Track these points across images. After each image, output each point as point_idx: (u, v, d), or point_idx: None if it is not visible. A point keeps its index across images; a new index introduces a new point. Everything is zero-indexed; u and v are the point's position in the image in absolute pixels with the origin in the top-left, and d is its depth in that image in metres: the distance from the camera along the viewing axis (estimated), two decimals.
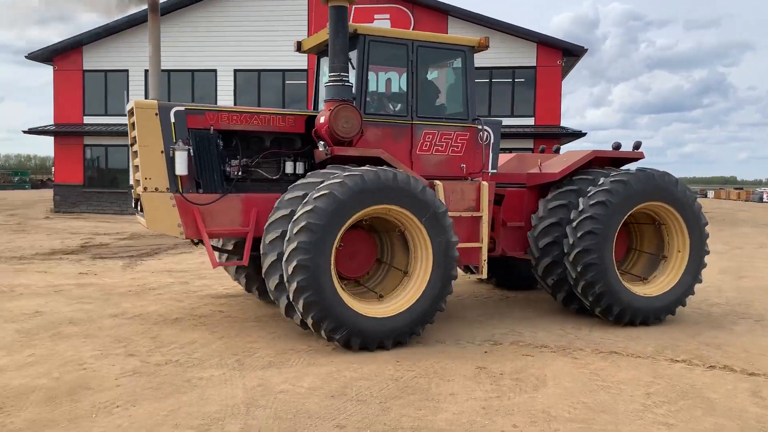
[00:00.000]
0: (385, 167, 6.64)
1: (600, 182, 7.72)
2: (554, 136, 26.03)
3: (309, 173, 6.86)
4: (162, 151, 6.79)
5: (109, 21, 26.01)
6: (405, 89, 7.62)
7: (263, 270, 6.55)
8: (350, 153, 7.05)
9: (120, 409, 4.84)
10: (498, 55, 25.94)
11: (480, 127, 7.84)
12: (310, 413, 4.83)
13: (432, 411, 4.93)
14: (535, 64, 26.27)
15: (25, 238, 17.30)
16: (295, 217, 6.21)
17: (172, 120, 6.88)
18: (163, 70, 26.77)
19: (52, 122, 27.86)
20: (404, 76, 7.60)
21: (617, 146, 8.66)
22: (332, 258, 6.23)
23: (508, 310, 8.72)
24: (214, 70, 26.99)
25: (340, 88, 7.10)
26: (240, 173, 7.16)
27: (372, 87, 7.97)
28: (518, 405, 5.11)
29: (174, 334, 7.11)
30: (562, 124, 26.66)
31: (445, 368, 5.99)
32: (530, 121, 26.53)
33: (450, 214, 7.11)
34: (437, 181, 7.37)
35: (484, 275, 7.78)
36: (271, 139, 7.51)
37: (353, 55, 7.41)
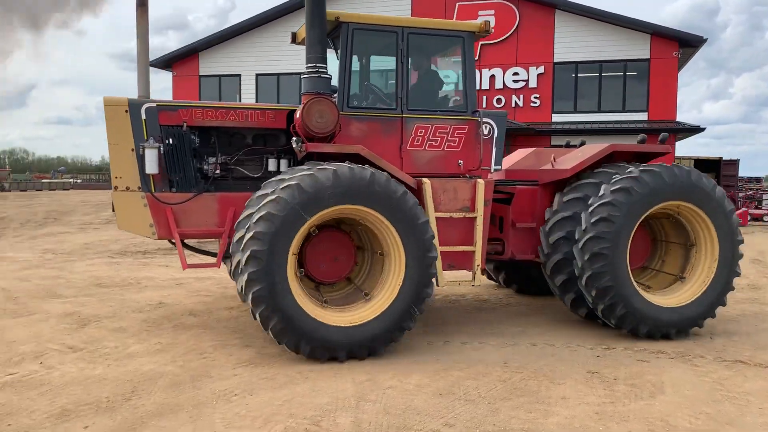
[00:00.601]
0: (350, 164, 6.11)
1: (628, 170, 7.02)
2: (669, 131, 24.67)
3: (286, 170, 6.46)
4: (132, 150, 6.58)
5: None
6: (395, 80, 7.05)
7: (231, 269, 6.44)
8: (325, 149, 6.55)
9: (238, 398, 5.09)
10: (608, 47, 24.99)
11: (481, 120, 7.28)
12: (419, 410, 4.86)
13: (543, 414, 4.83)
14: (648, 57, 25.01)
15: None
16: (246, 225, 5.83)
17: (144, 117, 6.63)
18: (267, 74, 27.88)
19: None
20: (396, 66, 7.05)
21: (642, 140, 7.87)
22: (288, 262, 5.82)
23: None
24: None
25: (315, 81, 6.61)
26: (219, 171, 6.87)
27: (359, 78, 7.57)
28: (634, 412, 4.89)
29: None
30: (678, 119, 25.26)
31: (555, 371, 5.84)
32: (643, 116, 25.33)
33: (440, 214, 6.83)
34: (425, 180, 6.85)
35: (478, 282, 7.11)
36: (252, 135, 7.13)
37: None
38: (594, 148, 7.58)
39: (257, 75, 28.31)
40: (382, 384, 5.42)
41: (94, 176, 70.74)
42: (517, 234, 7.65)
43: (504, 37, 25.57)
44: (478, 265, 7.00)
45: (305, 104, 6.44)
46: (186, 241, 6.98)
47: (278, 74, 27.91)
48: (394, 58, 7.02)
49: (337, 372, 5.73)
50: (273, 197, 5.76)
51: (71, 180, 57.34)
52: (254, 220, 5.74)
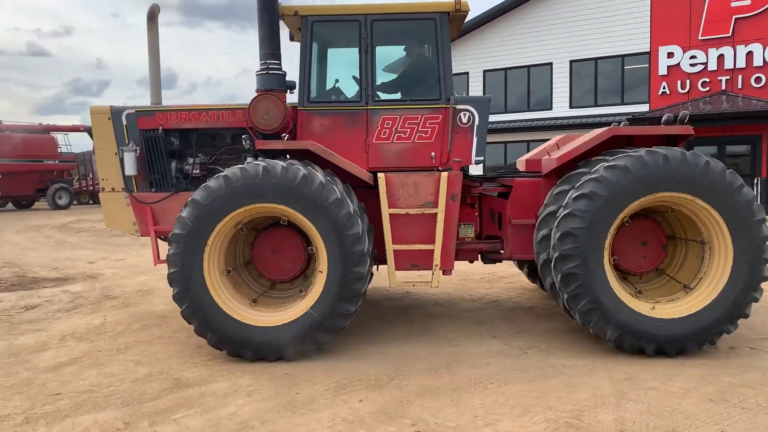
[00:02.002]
0: (262, 161, 5.92)
1: (595, 168, 5.95)
2: None
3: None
4: (116, 153, 7.05)
5: None
6: (359, 71, 6.68)
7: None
8: (273, 146, 6.48)
9: (494, 386, 5.23)
10: None
11: (457, 107, 6.63)
12: (687, 414, 4.56)
13: None
14: None
15: None
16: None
17: (124, 123, 7.05)
18: (494, 70, 27.91)
19: None
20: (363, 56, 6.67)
21: (668, 120, 6.48)
22: (206, 256, 5.84)
23: None
24: (550, 63, 27.09)
25: (265, 77, 6.58)
26: (197, 171, 7.03)
27: (323, 70, 7.26)
28: None
29: (530, 321, 7.39)
30: None
31: None
32: None
33: (394, 211, 6.50)
34: (381, 174, 6.50)
35: (435, 284, 6.58)
36: (230, 135, 7.14)
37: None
38: (594, 132, 6.64)
39: (484, 71, 28.56)
40: (642, 384, 5.18)
41: None
42: (516, 231, 6.99)
43: (763, 8, 22.63)
44: (436, 265, 6.52)
45: (251, 102, 6.49)
46: None
47: (505, 69, 27.93)
48: (366, 48, 6.65)
49: (592, 369, 5.60)
50: (181, 213, 5.98)
51: None
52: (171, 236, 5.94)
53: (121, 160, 7.02)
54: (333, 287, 5.89)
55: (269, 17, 6.51)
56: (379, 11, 6.64)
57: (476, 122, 6.74)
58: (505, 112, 28.11)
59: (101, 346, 6.60)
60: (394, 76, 7.31)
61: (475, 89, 28.50)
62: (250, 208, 5.86)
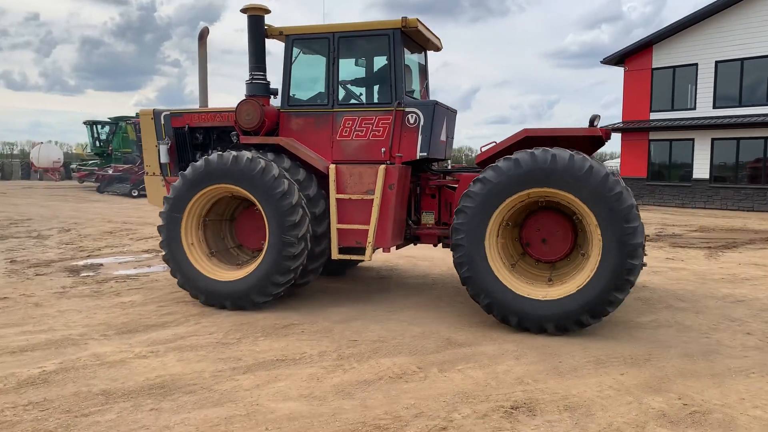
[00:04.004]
0: (230, 152, 7.48)
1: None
2: None
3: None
4: (156, 146, 8.84)
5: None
6: (326, 79, 7.85)
7: None
8: (252, 141, 7.94)
9: (756, 375, 5.38)
10: None
11: (405, 110, 7.56)
12: None
13: None
14: None
15: None
16: None
17: (162, 122, 8.85)
18: (728, 60, 25.83)
19: (619, 120, 30.12)
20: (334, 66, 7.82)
21: (594, 120, 7.10)
22: (183, 222, 7.65)
23: None
24: None
25: (251, 86, 8.12)
26: None
27: (300, 79, 8.21)
28: None
29: None
30: None
31: None
32: None
33: (340, 196, 7.63)
34: (331, 165, 7.66)
35: (368, 258, 7.60)
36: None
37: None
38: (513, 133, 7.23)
39: (716, 62, 26.57)
40: None
41: None
42: None
43: None
44: (370, 243, 7.52)
45: (237, 105, 8.02)
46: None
47: (742, 59, 25.69)
48: (333, 60, 7.79)
49: None
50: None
51: None
52: None
53: (158, 151, 8.84)
54: (269, 260, 7.35)
55: (256, 38, 8.07)
56: (344, 29, 7.80)
57: (421, 122, 7.61)
58: (740, 105, 25.97)
59: (375, 308, 7.75)
60: (359, 82, 8.41)
61: (704, 84, 26.62)
62: (218, 187, 7.53)
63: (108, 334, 6.48)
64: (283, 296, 7.82)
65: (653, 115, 28.76)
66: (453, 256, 6.88)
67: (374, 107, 7.82)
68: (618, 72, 32.23)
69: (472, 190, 6.73)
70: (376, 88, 8.28)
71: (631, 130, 29.16)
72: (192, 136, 8.83)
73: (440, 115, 7.90)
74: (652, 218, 22.04)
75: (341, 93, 8.03)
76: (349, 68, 8.30)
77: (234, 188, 7.45)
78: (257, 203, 7.39)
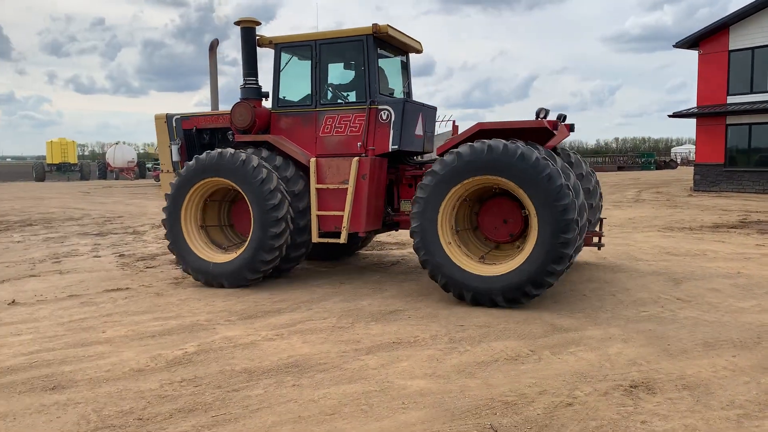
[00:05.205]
0: (218, 149, 8.63)
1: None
2: None
3: None
4: (168, 146, 9.97)
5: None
6: (310, 82, 8.71)
7: None
8: (245, 139, 9.00)
9: None
10: None
11: (378, 107, 8.34)
12: None
13: None
14: None
15: (682, 213, 19.11)
16: None
17: (174, 125, 9.91)
18: None
19: (694, 105, 29.26)
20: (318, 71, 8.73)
21: (539, 113, 8.14)
22: (182, 214, 8.73)
23: None
24: None
25: (244, 90, 9.15)
26: None
27: (288, 83, 9.04)
28: None
29: None
30: None
31: None
32: None
33: (319, 186, 8.56)
34: (312, 158, 8.60)
35: (343, 240, 8.42)
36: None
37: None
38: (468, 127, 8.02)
39: None
40: None
41: (600, 159, 74.06)
42: None
43: None
44: (344, 227, 8.37)
45: (232, 108, 9.02)
46: None
47: None
48: (315, 65, 8.67)
49: None
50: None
51: None
52: None
53: (171, 151, 9.93)
54: (254, 240, 8.30)
55: (249, 46, 9.00)
56: (324, 37, 8.66)
57: (393, 119, 8.37)
58: None
59: None
60: (339, 84, 9.13)
61: None
62: (208, 180, 8.57)
63: (232, 320, 7.00)
64: (380, 286, 8.18)
65: (731, 99, 27.85)
66: (413, 243, 7.65)
67: (351, 106, 8.67)
68: (684, 55, 31.51)
69: (423, 182, 7.54)
70: (353, 88, 9.03)
71: (708, 114, 28.32)
72: (200, 137, 9.96)
73: (413, 112, 8.74)
74: (732, 205, 21.46)
75: (327, 94, 8.94)
76: (333, 71, 9.19)
77: (223, 181, 8.51)
78: (242, 191, 8.37)
